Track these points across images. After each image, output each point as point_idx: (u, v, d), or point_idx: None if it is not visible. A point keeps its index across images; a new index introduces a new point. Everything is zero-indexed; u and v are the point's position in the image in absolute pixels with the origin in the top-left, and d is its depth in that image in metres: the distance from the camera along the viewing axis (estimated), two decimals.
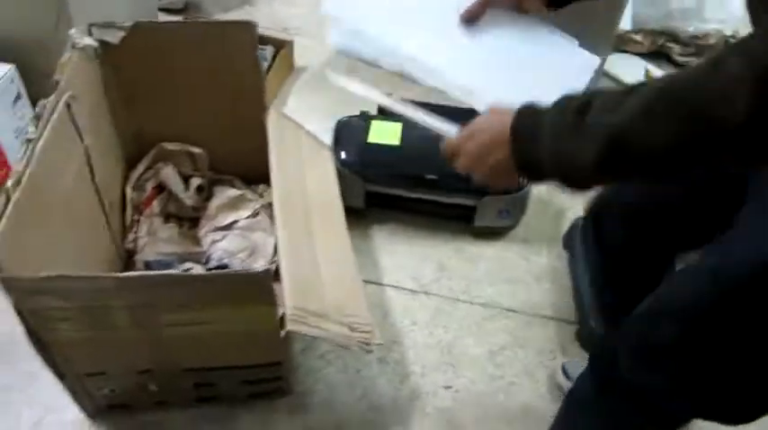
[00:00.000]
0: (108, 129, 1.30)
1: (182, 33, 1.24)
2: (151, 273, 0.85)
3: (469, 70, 0.83)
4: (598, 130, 0.53)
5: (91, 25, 1.23)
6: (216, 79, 1.29)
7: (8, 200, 0.84)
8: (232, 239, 1.34)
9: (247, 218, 1.39)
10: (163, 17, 2.02)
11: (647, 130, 0.50)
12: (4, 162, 1.54)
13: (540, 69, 0.81)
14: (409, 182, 1.47)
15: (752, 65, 0.45)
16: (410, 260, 1.47)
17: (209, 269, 1.29)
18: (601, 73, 0.82)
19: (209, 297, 0.88)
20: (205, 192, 1.46)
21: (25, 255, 0.85)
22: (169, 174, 1.41)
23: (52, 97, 1.04)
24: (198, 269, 1.27)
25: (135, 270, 1.30)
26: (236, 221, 1.39)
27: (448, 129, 0.75)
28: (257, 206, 1.42)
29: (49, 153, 0.95)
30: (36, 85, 1.58)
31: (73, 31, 1.19)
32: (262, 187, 1.48)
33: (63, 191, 1.05)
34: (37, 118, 0.98)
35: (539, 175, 0.62)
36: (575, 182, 0.59)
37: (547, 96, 0.63)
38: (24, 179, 0.88)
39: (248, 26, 1.21)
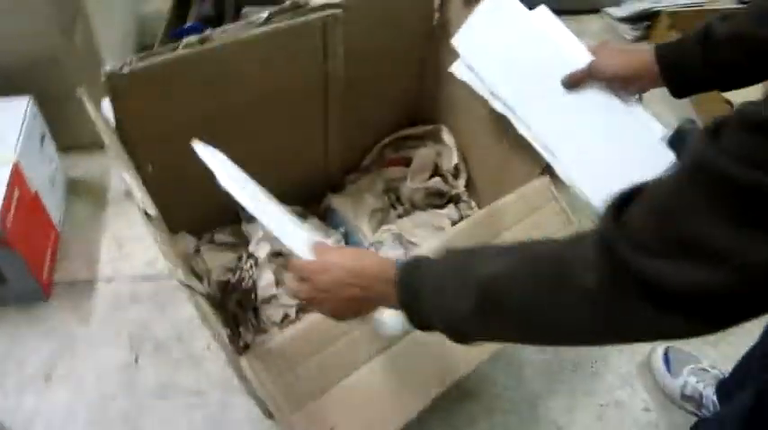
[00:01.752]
0: (404, 77, 1.15)
1: None
2: None
3: (556, 133, 0.87)
4: (472, 282, 0.53)
5: None
6: None
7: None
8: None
9: None
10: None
11: (514, 286, 0.50)
12: (49, 223, 1.18)
13: (620, 154, 0.83)
14: None
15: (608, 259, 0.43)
16: None
17: None
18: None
19: None
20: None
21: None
22: (424, 161, 1.20)
23: (311, 6, 0.86)
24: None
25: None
26: None
27: (299, 250, 0.65)
28: None
29: (262, 45, 0.85)
30: (50, 113, 1.21)
31: None
32: None
33: (270, 93, 0.92)
34: (275, 13, 0.84)
35: (426, 327, 0.58)
36: (458, 334, 0.56)
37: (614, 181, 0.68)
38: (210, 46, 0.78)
39: None
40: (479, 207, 1.16)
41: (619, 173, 0.76)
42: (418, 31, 1.08)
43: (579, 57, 0.85)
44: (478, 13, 0.93)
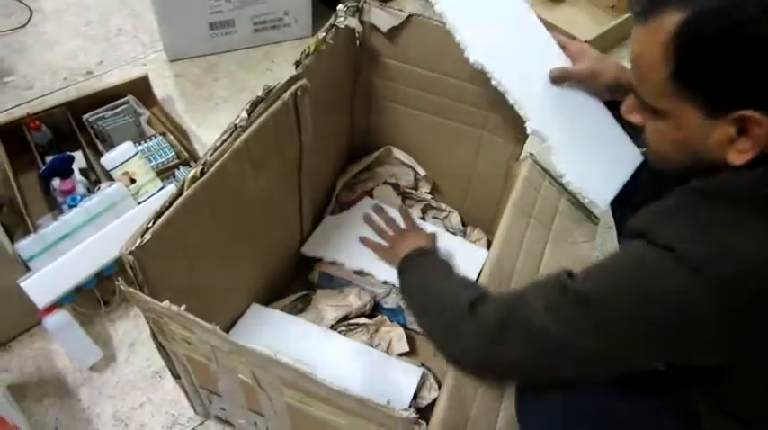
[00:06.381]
0: (340, 119, 1.14)
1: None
2: (270, 356, 0.64)
3: (547, 118, 0.84)
4: (411, 287, 0.84)
5: (362, 3, 0.99)
6: (476, 103, 1.00)
7: (180, 193, 0.72)
8: None
9: None
10: None
11: (415, 297, 0.81)
12: None
13: (596, 142, 0.86)
14: None
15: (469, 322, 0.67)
16: None
17: (379, 308, 1.11)
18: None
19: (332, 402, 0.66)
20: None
21: (187, 252, 0.77)
22: (386, 191, 1.21)
23: (281, 84, 0.83)
24: (364, 299, 1.08)
25: (311, 275, 1.15)
26: None
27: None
28: None
29: (252, 146, 0.80)
30: None
31: (340, 7, 0.96)
32: (477, 232, 1.19)
33: (258, 188, 0.88)
34: (254, 104, 0.80)
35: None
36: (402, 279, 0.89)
37: (591, 169, 0.85)
38: (212, 171, 0.75)
39: None
40: (447, 204, 1.23)
41: (600, 170, 0.84)
42: (346, 72, 1.06)
43: (555, 48, 0.85)
44: None
